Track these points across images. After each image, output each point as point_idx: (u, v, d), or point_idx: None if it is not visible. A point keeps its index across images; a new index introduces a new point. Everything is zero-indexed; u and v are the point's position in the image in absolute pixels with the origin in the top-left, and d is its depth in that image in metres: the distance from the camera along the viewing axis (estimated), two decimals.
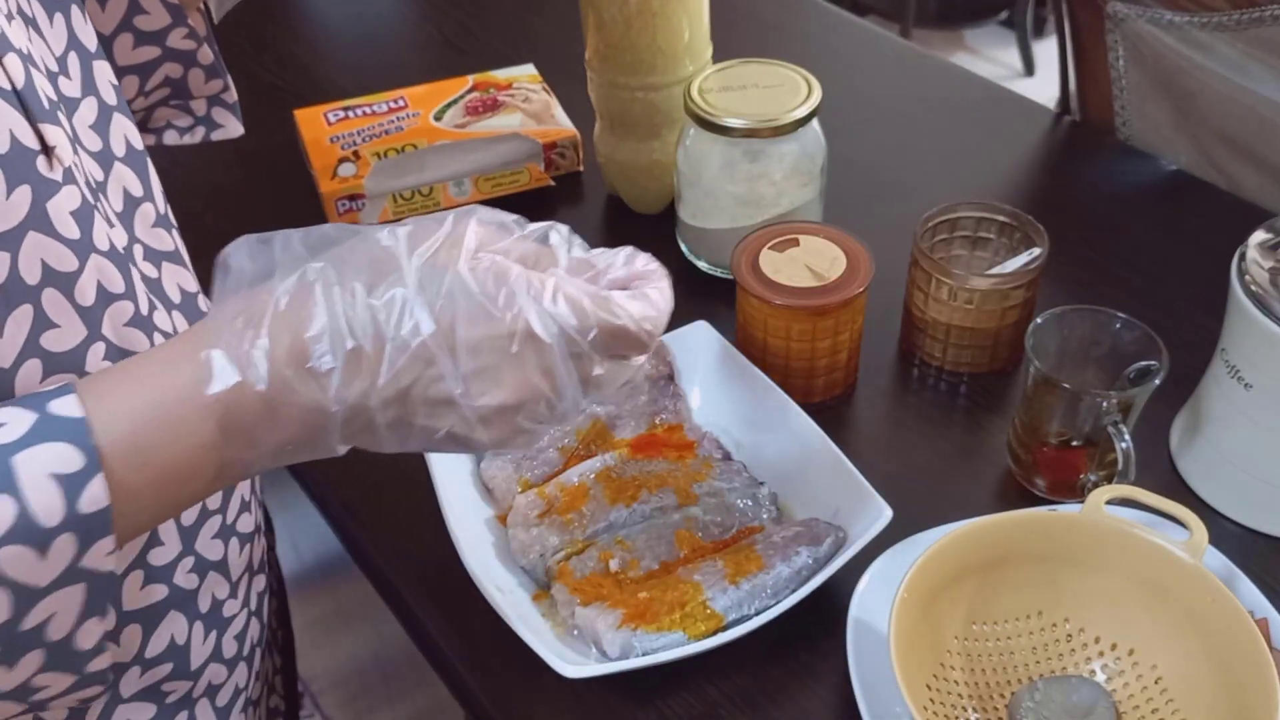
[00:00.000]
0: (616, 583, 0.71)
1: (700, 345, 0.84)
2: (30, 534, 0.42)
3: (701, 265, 0.97)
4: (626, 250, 0.53)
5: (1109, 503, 0.67)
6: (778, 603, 0.68)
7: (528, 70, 1.16)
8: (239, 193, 1.11)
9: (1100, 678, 0.67)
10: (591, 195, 1.08)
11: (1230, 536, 0.76)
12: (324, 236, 0.50)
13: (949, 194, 0.93)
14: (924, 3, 3.04)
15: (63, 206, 0.49)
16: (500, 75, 1.15)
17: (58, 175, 0.48)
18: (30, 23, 0.52)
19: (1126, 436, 0.73)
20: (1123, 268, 0.96)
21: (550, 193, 1.07)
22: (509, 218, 0.51)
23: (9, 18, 0.49)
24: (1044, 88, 2.73)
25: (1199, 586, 0.64)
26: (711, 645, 0.67)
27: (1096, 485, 0.76)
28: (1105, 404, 0.73)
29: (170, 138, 0.74)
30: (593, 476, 0.77)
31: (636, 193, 1.03)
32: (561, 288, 0.48)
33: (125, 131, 0.58)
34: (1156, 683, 0.66)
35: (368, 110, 1.11)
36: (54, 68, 0.53)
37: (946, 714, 0.65)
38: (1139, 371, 0.75)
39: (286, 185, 1.09)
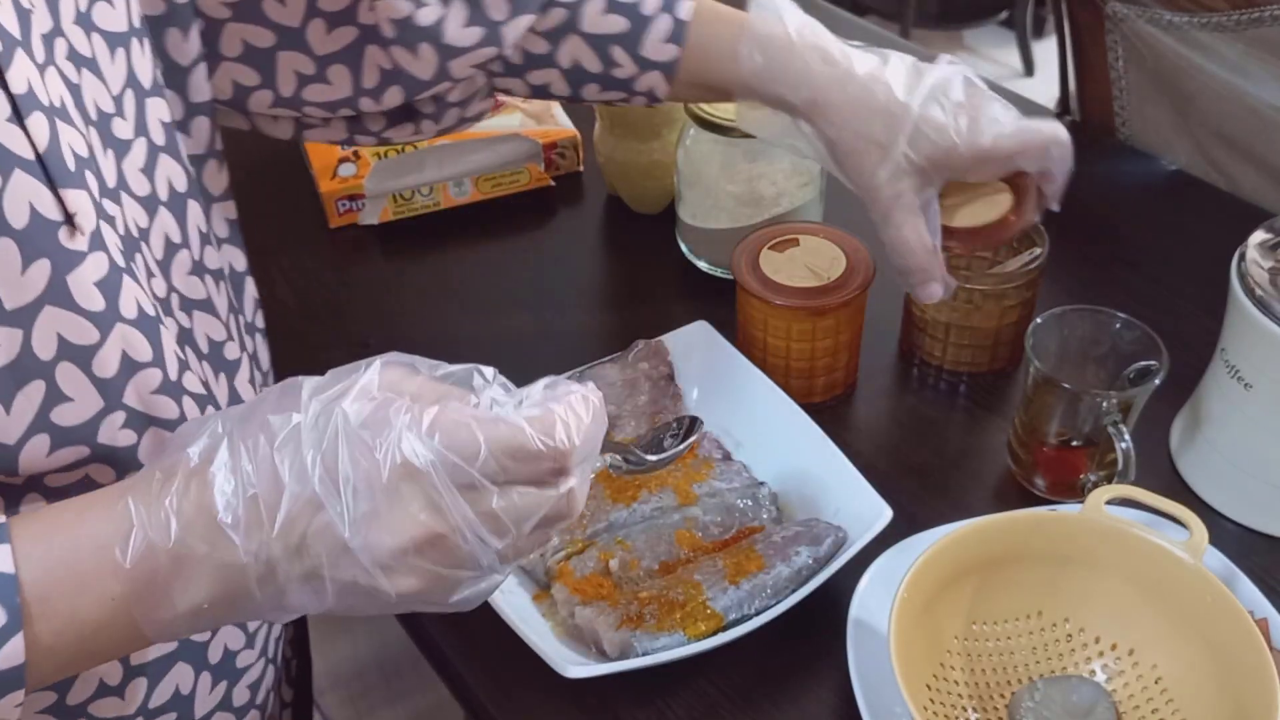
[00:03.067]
0: (616, 583, 0.71)
1: (700, 345, 0.84)
2: None
3: (701, 265, 0.97)
4: (546, 379, 0.48)
5: (1109, 503, 0.67)
6: (778, 603, 0.68)
7: None
8: (239, 193, 1.10)
9: (1100, 678, 0.67)
10: (591, 195, 1.08)
11: (1230, 536, 0.76)
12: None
13: None
14: (924, 3, 3.04)
15: (86, 277, 0.47)
16: None
17: (81, 245, 0.47)
18: (87, 63, 0.51)
19: (1126, 436, 0.73)
20: (1123, 268, 0.96)
21: (550, 193, 1.07)
22: (422, 362, 0.48)
23: (43, 67, 0.47)
24: (1044, 88, 2.73)
25: (1199, 586, 0.64)
26: (711, 645, 0.67)
27: (1096, 485, 0.76)
28: (1105, 404, 0.73)
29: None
30: (593, 476, 0.77)
31: (636, 193, 1.03)
32: (443, 412, 0.45)
33: (169, 174, 0.57)
34: (1156, 683, 0.66)
35: None
36: (109, 109, 0.52)
37: (946, 714, 0.65)
38: (1139, 371, 0.75)
39: (287, 185, 1.09)
